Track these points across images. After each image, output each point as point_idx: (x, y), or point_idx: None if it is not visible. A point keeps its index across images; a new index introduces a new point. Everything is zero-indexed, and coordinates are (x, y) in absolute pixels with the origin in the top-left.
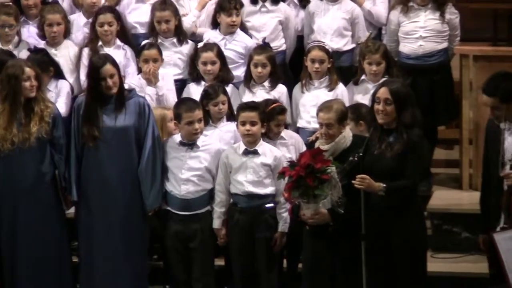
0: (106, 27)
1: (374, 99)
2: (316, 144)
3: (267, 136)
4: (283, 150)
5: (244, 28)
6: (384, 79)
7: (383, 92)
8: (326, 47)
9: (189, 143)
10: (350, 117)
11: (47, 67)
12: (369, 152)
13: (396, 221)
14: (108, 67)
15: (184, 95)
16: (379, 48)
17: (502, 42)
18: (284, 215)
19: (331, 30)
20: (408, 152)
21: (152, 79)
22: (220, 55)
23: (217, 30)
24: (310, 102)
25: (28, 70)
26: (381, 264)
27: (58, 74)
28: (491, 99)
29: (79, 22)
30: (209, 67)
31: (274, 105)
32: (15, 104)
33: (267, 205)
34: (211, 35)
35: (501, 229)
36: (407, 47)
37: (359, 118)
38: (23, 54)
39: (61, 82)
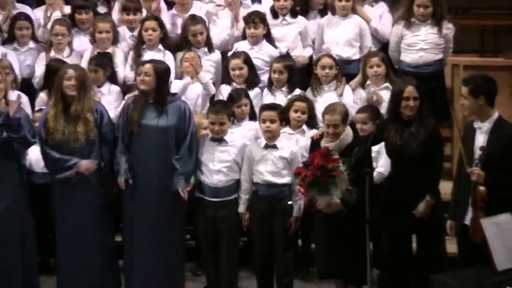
0: (150, 32)
1: (400, 97)
2: (322, 143)
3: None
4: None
5: (271, 39)
6: (386, 84)
7: (412, 91)
8: (334, 56)
9: (219, 139)
10: (369, 117)
11: (106, 67)
12: (390, 142)
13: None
14: (148, 66)
15: (217, 95)
16: (378, 54)
17: (489, 53)
18: (299, 202)
19: (343, 40)
20: (433, 138)
21: (193, 72)
22: (248, 61)
23: (246, 41)
24: (322, 105)
25: (70, 71)
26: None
27: (113, 78)
28: (464, 88)
29: (125, 34)
30: (237, 72)
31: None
32: (57, 99)
33: (288, 202)
34: (241, 45)
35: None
36: (409, 57)
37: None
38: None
39: (114, 87)
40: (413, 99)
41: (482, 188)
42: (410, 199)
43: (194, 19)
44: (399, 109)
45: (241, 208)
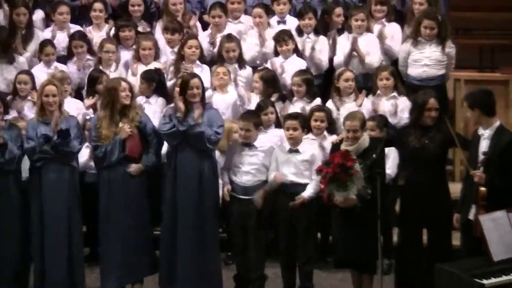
0: (194, 49)
1: (423, 108)
2: (342, 146)
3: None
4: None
5: (299, 53)
6: (394, 94)
7: (434, 103)
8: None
9: (249, 144)
10: (376, 125)
11: (153, 81)
12: (409, 146)
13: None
14: (196, 81)
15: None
16: (387, 68)
17: (486, 69)
18: (310, 189)
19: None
20: (447, 141)
21: (223, 84)
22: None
23: (280, 56)
24: (343, 115)
25: (124, 84)
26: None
27: (160, 90)
28: (465, 102)
29: (166, 51)
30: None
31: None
32: (113, 110)
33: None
34: (277, 61)
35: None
36: (414, 71)
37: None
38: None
39: (161, 99)
40: (434, 110)
41: (482, 188)
42: (424, 197)
43: (230, 38)
44: (422, 118)
45: (259, 193)
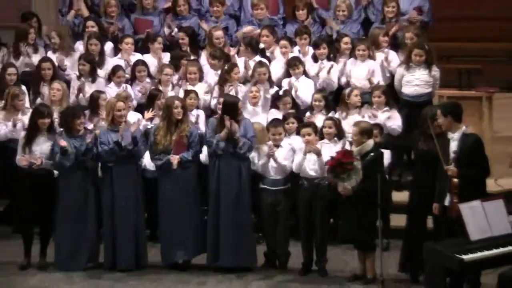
0: (238, 75)
1: (434, 118)
2: (353, 147)
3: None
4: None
5: (307, 74)
6: (386, 108)
7: (440, 114)
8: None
9: (277, 146)
10: (378, 132)
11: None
12: (419, 149)
13: None
14: (240, 103)
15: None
16: (380, 87)
17: (464, 88)
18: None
19: (361, 76)
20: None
21: (255, 102)
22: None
23: (293, 77)
24: (348, 123)
25: (177, 102)
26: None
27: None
28: (438, 111)
29: (210, 73)
30: (288, 105)
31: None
32: (170, 122)
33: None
34: (292, 80)
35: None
36: (407, 90)
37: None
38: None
39: (200, 111)
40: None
41: (455, 180)
42: (430, 190)
43: (261, 63)
44: (432, 126)
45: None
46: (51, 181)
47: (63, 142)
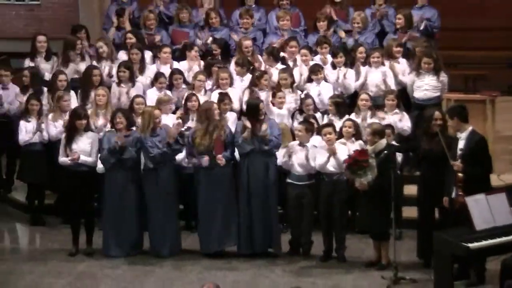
0: (267, 81)
1: (431, 119)
2: (367, 147)
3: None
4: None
5: (326, 80)
6: (396, 110)
7: (438, 115)
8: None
9: (302, 145)
10: (391, 131)
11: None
12: (422, 148)
13: None
14: (262, 104)
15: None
16: (393, 92)
17: (470, 92)
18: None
19: (375, 82)
20: (451, 146)
21: (280, 104)
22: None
23: (314, 82)
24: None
25: (215, 105)
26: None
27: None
28: (446, 114)
29: (238, 79)
30: (310, 106)
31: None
32: (209, 125)
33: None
34: (312, 85)
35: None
36: (418, 94)
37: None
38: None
39: (233, 113)
40: (439, 120)
41: (460, 174)
42: (434, 184)
43: (285, 70)
44: (430, 126)
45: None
46: (93, 177)
47: (121, 139)
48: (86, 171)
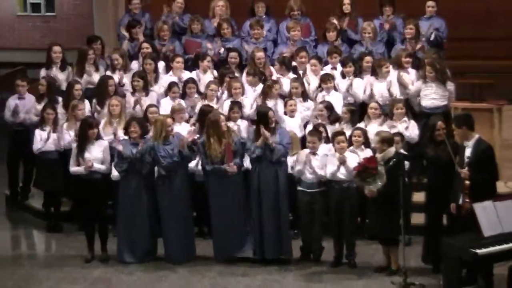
0: (279, 91)
1: (434, 128)
2: (377, 154)
3: None
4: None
5: (336, 89)
6: (404, 119)
7: (441, 124)
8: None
9: (313, 153)
10: (400, 139)
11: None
12: (427, 155)
13: None
14: (271, 113)
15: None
16: (401, 100)
17: (477, 100)
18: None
19: (382, 92)
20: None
21: (292, 113)
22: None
23: (324, 91)
24: (371, 132)
25: (222, 116)
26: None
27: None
28: (453, 123)
29: (250, 89)
30: (323, 112)
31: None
32: (217, 135)
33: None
34: (323, 94)
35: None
36: (426, 103)
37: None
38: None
39: (243, 121)
40: (442, 129)
41: (467, 182)
42: (441, 191)
43: (296, 79)
44: (434, 135)
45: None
46: (106, 184)
47: (120, 147)
48: (99, 178)
